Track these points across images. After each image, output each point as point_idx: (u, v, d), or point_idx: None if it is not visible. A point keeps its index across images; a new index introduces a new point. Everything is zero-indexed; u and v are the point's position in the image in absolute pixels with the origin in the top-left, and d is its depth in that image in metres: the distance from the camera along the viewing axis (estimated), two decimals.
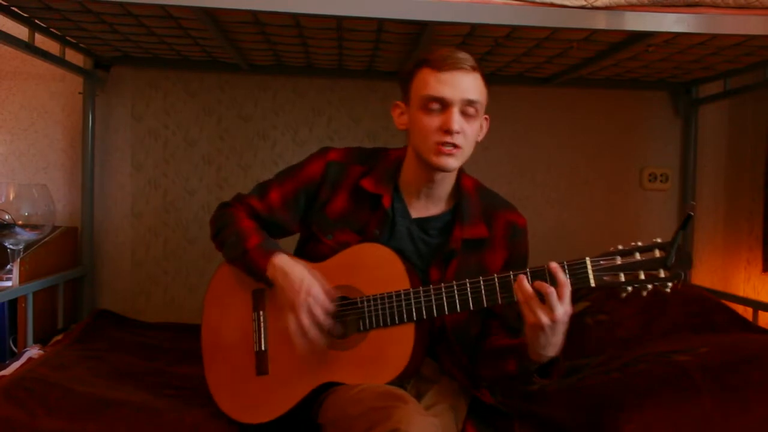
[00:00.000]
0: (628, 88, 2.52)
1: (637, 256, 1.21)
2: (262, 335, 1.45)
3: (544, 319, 1.19)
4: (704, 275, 2.60)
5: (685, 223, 1.16)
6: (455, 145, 1.32)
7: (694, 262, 2.57)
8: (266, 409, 1.40)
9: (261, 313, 1.46)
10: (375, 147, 1.54)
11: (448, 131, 1.31)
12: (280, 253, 1.41)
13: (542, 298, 1.20)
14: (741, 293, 2.46)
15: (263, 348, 1.45)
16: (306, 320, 1.32)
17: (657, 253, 1.21)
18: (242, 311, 1.48)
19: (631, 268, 1.21)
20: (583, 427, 1.44)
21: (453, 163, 1.34)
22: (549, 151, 2.56)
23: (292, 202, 1.49)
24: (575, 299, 2.15)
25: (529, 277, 1.23)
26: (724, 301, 2.07)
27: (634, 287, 1.21)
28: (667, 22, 1.53)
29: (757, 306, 2.11)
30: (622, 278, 1.21)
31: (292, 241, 1.58)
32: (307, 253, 1.49)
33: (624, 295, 1.22)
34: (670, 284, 1.20)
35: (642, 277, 1.20)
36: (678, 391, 1.44)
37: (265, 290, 1.46)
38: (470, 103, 1.32)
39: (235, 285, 1.50)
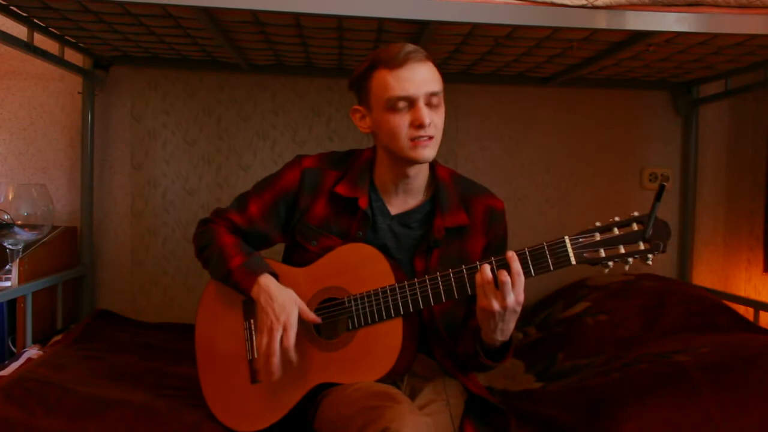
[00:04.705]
0: (629, 87, 2.52)
1: (616, 231, 1.23)
2: (254, 344, 1.46)
3: (495, 305, 1.23)
4: (705, 275, 2.60)
5: (660, 194, 1.18)
6: (429, 137, 1.36)
7: (694, 262, 2.57)
8: (262, 417, 1.41)
9: (252, 321, 1.47)
10: (347, 150, 1.55)
11: (421, 125, 1.34)
12: (266, 274, 1.41)
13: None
14: (742, 293, 2.46)
15: (256, 356, 1.45)
16: (275, 347, 1.34)
17: (635, 227, 1.22)
18: (234, 321, 1.49)
19: (610, 243, 1.23)
20: (583, 427, 1.44)
21: (430, 153, 1.37)
22: (549, 151, 2.55)
23: (272, 213, 1.50)
24: (575, 300, 2.18)
25: (495, 266, 1.26)
26: (724, 302, 2.07)
27: (615, 262, 1.23)
28: (668, 22, 1.52)
29: (758, 306, 2.11)
30: (603, 254, 1.23)
31: (279, 248, 1.58)
32: (294, 260, 1.50)
33: (606, 270, 1.24)
34: (650, 256, 1.21)
35: (622, 251, 1.22)
36: (678, 391, 1.43)
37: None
38: (433, 94, 1.36)
39: (225, 296, 1.50)
